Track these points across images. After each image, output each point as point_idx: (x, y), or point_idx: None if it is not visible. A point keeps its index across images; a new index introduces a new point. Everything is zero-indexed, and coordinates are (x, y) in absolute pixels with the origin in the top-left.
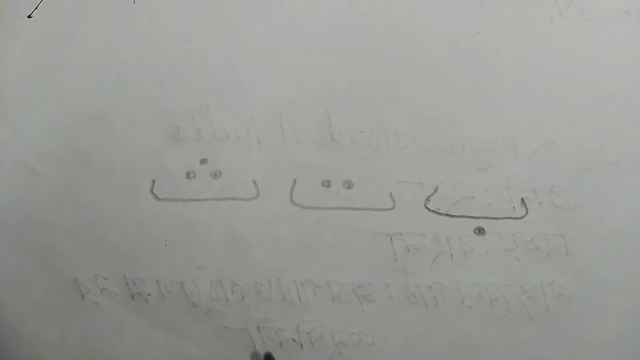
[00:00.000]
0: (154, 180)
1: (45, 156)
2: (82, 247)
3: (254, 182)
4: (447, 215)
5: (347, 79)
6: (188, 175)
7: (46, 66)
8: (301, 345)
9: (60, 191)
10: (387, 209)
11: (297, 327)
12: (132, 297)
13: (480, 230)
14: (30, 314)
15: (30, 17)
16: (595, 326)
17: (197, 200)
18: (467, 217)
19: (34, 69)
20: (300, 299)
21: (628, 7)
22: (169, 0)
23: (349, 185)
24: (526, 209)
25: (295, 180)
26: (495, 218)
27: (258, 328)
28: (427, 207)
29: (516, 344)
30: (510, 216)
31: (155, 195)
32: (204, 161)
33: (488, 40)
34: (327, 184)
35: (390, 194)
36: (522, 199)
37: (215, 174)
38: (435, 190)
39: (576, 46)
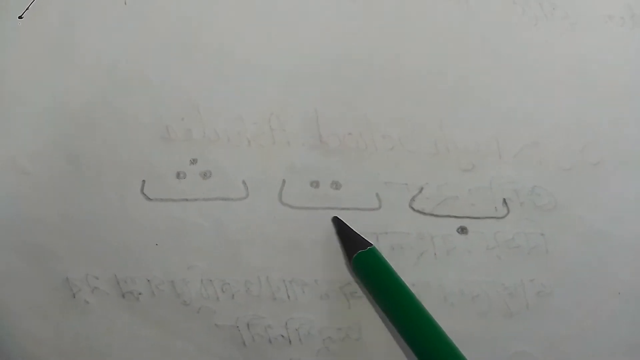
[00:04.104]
0: (144, 181)
1: (36, 156)
2: (73, 247)
3: (244, 182)
4: (431, 215)
5: (336, 82)
6: (178, 176)
7: (36, 66)
8: (290, 342)
9: (50, 191)
10: (373, 209)
11: (286, 324)
12: (123, 296)
13: (463, 230)
14: (21, 312)
15: (22, 18)
16: (573, 322)
17: (187, 200)
18: (450, 216)
19: (24, 69)
20: (289, 296)
21: (611, 11)
22: (159, 2)
23: (336, 185)
24: (507, 209)
25: (284, 181)
26: (478, 218)
27: (248, 325)
28: (412, 207)
29: (497, 339)
30: (492, 216)
31: (145, 195)
32: (194, 161)
33: (473, 44)
34: (315, 184)
35: (377, 194)
36: (504, 199)
37: (205, 174)
38: (420, 191)
39: (560, 49)
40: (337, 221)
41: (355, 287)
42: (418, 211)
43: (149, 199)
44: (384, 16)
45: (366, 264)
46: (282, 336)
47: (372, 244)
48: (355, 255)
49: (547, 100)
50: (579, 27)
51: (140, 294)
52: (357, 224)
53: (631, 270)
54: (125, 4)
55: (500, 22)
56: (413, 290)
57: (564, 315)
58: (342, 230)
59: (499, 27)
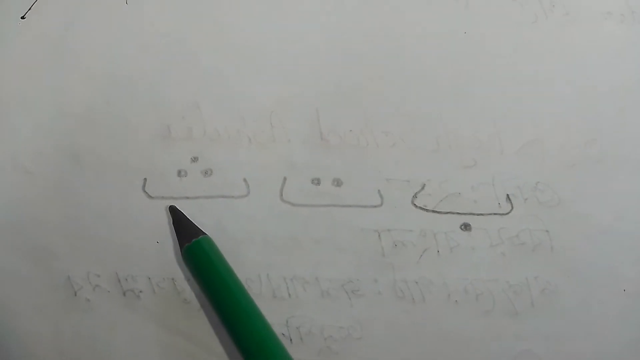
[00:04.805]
0: (145, 179)
1: (38, 155)
2: (75, 245)
3: (245, 180)
4: (433, 211)
5: (336, 80)
6: (179, 174)
7: (38, 66)
8: (291, 340)
9: (52, 190)
10: (375, 206)
11: (287, 322)
12: (124, 294)
13: (466, 226)
14: (23, 311)
15: (24, 18)
16: (579, 320)
17: (188, 198)
18: (453, 213)
19: (26, 69)
20: (289, 294)
21: (610, 8)
22: (160, 1)
23: (338, 183)
24: (511, 205)
25: (285, 178)
26: (481, 214)
27: None
28: (415, 204)
29: (502, 338)
30: (495, 212)
31: (147, 193)
32: (195, 160)
33: (474, 41)
34: (316, 181)
35: (379, 191)
36: (508, 195)
37: (206, 172)
38: (423, 188)
39: (560, 46)
40: (173, 210)
41: (357, 285)
42: (420, 208)
43: (150, 197)
44: (384, 13)
45: (194, 257)
46: (283, 334)
47: (204, 234)
48: (184, 247)
49: (547, 96)
50: (578, 24)
51: (141, 292)
52: (360, 221)
53: (637, 267)
54: (126, 3)
55: (500, 19)
56: (416, 287)
57: (569, 313)
58: (177, 219)
59: (499, 24)
